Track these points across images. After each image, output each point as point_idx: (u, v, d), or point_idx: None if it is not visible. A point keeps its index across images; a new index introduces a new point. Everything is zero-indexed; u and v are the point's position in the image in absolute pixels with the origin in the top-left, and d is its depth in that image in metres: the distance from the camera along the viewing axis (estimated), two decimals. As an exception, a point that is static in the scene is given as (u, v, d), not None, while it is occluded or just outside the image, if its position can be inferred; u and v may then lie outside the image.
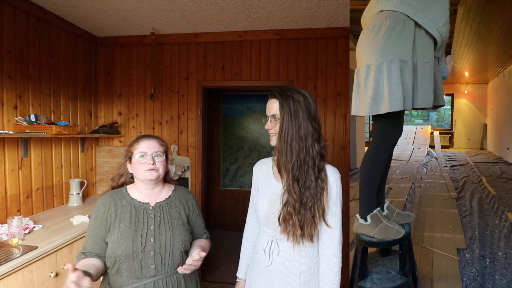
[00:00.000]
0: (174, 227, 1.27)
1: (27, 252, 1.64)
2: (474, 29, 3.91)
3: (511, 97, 6.13)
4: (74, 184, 2.65)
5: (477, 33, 4.08)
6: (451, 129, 8.60)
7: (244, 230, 1.40)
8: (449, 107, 8.67)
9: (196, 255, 1.16)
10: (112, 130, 3.02)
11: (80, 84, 2.92)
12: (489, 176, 4.92)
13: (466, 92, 8.35)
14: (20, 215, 2.16)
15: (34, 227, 2.04)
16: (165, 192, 1.35)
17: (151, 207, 1.28)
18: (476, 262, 2.23)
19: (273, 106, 1.16)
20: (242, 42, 2.99)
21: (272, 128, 1.17)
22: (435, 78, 1.38)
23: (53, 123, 2.40)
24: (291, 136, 1.10)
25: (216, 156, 4.81)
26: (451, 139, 8.54)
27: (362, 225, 1.49)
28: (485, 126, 8.10)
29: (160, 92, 3.11)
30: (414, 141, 7.85)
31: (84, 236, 1.28)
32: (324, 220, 1.13)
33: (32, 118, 2.30)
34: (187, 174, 3.10)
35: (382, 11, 1.33)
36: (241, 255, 1.39)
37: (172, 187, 1.39)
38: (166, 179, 1.38)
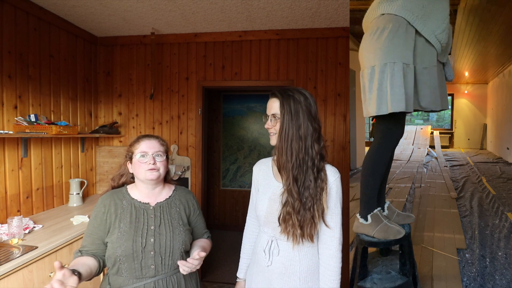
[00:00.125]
0: (174, 227, 1.27)
1: (27, 252, 1.64)
2: (474, 29, 3.91)
3: (511, 97, 6.13)
4: (74, 184, 2.65)
5: (477, 33, 4.08)
6: (451, 129, 8.60)
7: (244, 230, 1.40)
8: (449, 107, 8.67)
9: (196, 255, 1.16)
10: (112, 130, 3.02)
11: (80, 84, 2.92)
12: (489, 176, 4.92)
13: (466, 92, 8.35)
14: (20, 215, 2.16)
15: (34, 227, 2.04)
16: (166, 192, 1.35)
17: (151, 207, 1.28)
18: (476, 262, 2.23)
19: (273, 106, 1.16)
20: (242, 42, 2.99)
21: (272, 127, 1.17)
22: (439, 83, 1.40)
23: (53, 123, 2.40)
24: (291, 136, 1.10)
25: (216, 156, 4.81)
26: (451, 139, 8.54)
27: (363, 225, 1.49)
28: (485, 126, 8.10)
29: (160, 92, 3.11)
30: (414, 141, 7.85)
31: (83, 236, 1.28)
32: (324, 220, 1.13)
33: (32, 118, 2.30)
34: (187, 174, 3.10)
35: (383, 14, 1.35)
36: (241, 255, 1.39)
37: (173, 187, 1.39)
38: (166, 179, 1.38)
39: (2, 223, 2.02)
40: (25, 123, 2.22)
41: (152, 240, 1.21)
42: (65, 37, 2.71)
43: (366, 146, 5.80)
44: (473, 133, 8.36)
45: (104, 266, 1.24)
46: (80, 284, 1.17)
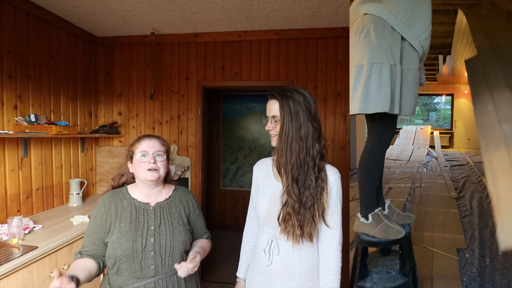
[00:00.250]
0: (174, 227, 1.27)
1: (27, 252, 1.64)
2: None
3: (511, 97, 6.12)
4: (74, 184, 2.65)
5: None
6: (451, 129, 8.59)
7: (244, 230, 1.40)
8: (449, 107, 8.67)
9: (188, 262, 1.16)
10: (112, 130, 3.02)
11: (80, 84, 2.92)
12: (489, 176, 4.90)
13: (466, 92, 8.34)
14: (20, 215, 2.16)
15: (34, 227, 2.04)
16: (166, 192, 1.35)
17: (151, 207, 1.28)
18: (476, 262, 2.23)
19: (273, 107, 1.15)
20: (242, 42, 2.99)
21: (273, 129, 1.17)
22: (415, 87, 1.42)
23: (53, 123, 2.40)
24: (292, 137, 1.10)
25: (216, 156, 4.81)
26: (451, 139, 8.53)
27: (363, 224, 1.50)
28: (485, 126, 8.08)
29: (160, 92, 3.11)
30: (414, 141, 7.84)
31: (83, 236, 1.28)
32: (324, 220, 1.13)
33: (32, 118, 2.30)
34: (187, 174, 3.10)
35: (366, 14, 1.36)
36: (241, 255, 1.39)
37: (173, 187, 1.39)
38: (167, 179, 1.38)
39: (2, 223, 2.02)
40: (25, 123, 2.22)
41: (152, 240, 1.21)
42: (65, 37, 2.71)
43: (366, 146, 5.80)
44: (473, 133, 8.35)
45: (104, 267, 1.24)
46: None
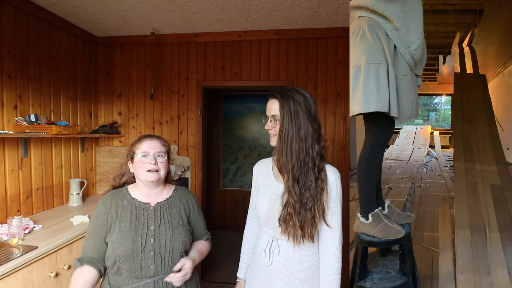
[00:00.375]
0: (174, 227, 1.27)
1: (27, 252, 1.64)
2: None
3: (511, 97, 6.13)
4: (74, 184, 2.65)
5: (477, 33, 4.08)
6: (451, 129, 8.59)
7: (245, 230, 1.40)
8: (449, 107, 8.67)
9: (176, 274, 1.18)
10: (112, 130, 3.02)
11: (80, 84, 2.92)
12: (489, 176, 4.91)
13: (466, 92, 8.33)
14: (20, 215, 2.16)
15: (34, 227, 2.04)
16: (166, 192, 1.35)
17: (151, 207, 1.28)
18: (476, 262, 2.22)
19: (273, 107, 1.16)
20: (242, 42, 2.99)
21: (272, 128, 1.17)
22: (415, 91, 1.43)
23: (53, 123, 2.40)
24: (291, 137, 1.10)
25: (216, 156, 4.82)
26: (451, 139, 8.53)
27: (363, 224, 1.50)
28: (485, 126, 8.09)
29: (160, 92, 3.11)
30: (414, 141, 7.84)
31: (83, 236, 1.28)
32: (324, 220, 1.13)
33: (32, 118, 2.30)
34: (187, 174, 3.10)
35: (362, 16, 1.38)
36: (241, 255, 1.39)
37: (173, 187, 1.39)
38: (167, 179, 1.38)
39: (2, 223, 2.02)
40: (25, 123, 2.22)
41: (152, 240, 1.21)
42: (65, 37, 2.71)
43: (366, 146, 5.79)
44: (473, 133, 8.34)
45: (105, 271, 1.25)
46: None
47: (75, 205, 2.63)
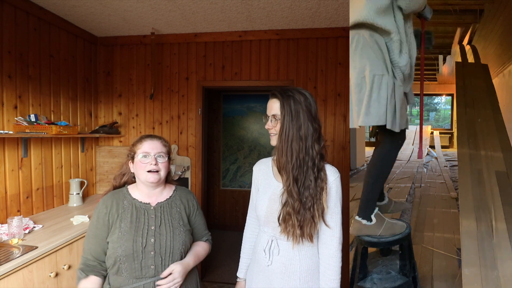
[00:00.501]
0: (175, 227, 1.27)
1: (27, 252, 1.64)
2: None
3: (511, 97, 6.13)
4: (74, 184, 2.65)
5: (477, 33, 4.08)
6: (451, 129, 8.59)
7: (244, 230, 1.40)
8: (449, 107, 8.67)
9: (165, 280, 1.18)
10: (112, 130, 3.02)
11: (80, 84, 2.92)
12: (489, 176, 4.90)
13: (466, 92, 8.33)
14: (20, 215, 2.16)
15: (34, 227, 2.04)
16: (166, 192, 1.35)
17: (152, 207, 1.28)
18: (476, 262, 2.22)
19: (273, 106, 1.16)
20: (242, 42, 2.99)
21: (273, 128, 1.17)
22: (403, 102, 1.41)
23: (53, 123, 2.40)
24: (292, 137, 1.10)
25: (216, 156, 4.81)
26: (451, 139, 8.53)
27: (366, 226, 1.50)
28: (485, 126, 8.08)
29: (160, 92, 3.11)
30: (414, 141, 7.84)
31: (83, 236, 1.28)
32: (324, 220, 1.13)
33: (32, 118, 2.30)
34: (187, 174, 3.10)
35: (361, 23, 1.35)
36: (241, 255, 1.39)
37: (173, 187, 1.39)
38: (167, 179, 1.38)
39: (2, 223, 2.02)
40: (25, 123, 2.22)
41: (152, 240, 1.21)
42: (65, 37, 2.71)
43: (366, 146, 5.79)
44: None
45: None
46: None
47: (75, 205, 2.63)
